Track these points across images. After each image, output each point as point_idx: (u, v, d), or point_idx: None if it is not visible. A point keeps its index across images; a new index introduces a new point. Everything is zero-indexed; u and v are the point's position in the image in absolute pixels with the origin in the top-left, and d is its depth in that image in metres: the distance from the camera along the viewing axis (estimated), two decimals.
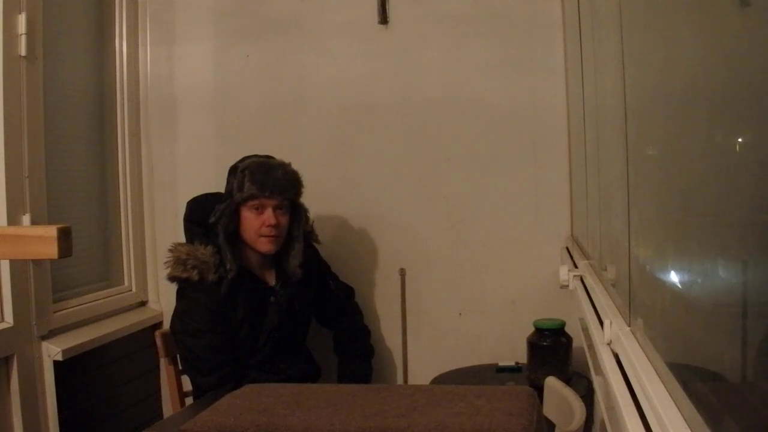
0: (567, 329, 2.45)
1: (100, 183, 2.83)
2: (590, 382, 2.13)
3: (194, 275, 2.32)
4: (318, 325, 2.71)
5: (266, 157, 2.45)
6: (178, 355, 2.48)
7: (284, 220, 2.42)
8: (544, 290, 2.68)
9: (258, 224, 2.37)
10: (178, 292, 2.41)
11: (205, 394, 2.32)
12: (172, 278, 2.37)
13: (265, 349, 2.41)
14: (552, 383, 1.69)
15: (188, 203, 2.53)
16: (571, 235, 2.70)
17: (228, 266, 2.33)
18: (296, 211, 2.47)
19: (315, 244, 2.62)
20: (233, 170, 2.41)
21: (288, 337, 2.47)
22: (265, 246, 2.39)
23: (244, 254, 2.42)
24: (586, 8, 2.00)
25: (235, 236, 2.39)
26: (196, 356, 2.34)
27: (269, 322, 2.42)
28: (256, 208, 2.37)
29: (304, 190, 2.47)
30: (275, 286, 2.47)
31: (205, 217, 2.41)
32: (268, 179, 2.36)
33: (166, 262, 2.39)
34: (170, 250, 2.39)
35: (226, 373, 2.31)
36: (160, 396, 2.89)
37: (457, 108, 2.82)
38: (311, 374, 2.55)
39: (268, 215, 2.36)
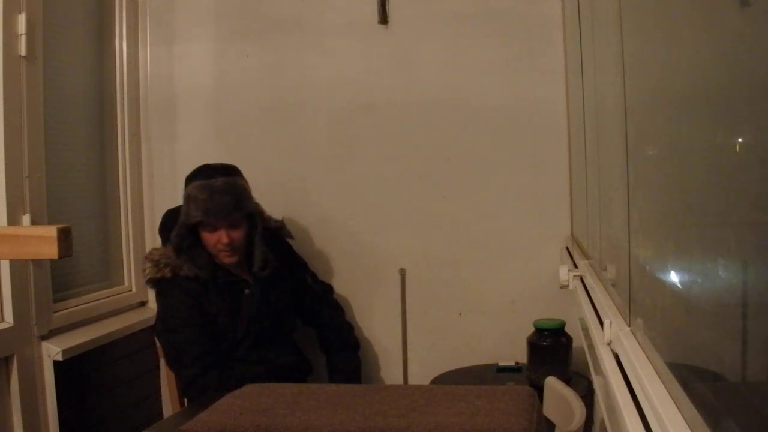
0: (567, 329, 2.45)
1: (100, 183, 2.83)
2: (590, 382, 2.13)
3: (167, 272, 2.39)
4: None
5: (213, 170, 2.43)
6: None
7: (239, 233, 2.43)
8: (544, 290, 2.68)
9: (214, 241, 2.41)
10: (156, 296, 2.48)
11: (190, 386, 2.37)
12: (149, 281, 2.44)
13: (246, 341, 2.45)
14: (552, 383, 1.68)
15: (163, 215, 2.58)
16: (571, 235, 2.70)
17: (187, 272, 2.40)
18: (252, 218, 2.48)
19: (288, 240, 2.65)
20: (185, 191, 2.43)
21: (268, 329, 2.49)
22: (225, 259, 2.45)
23: None
24: (586, 8, 2.00)
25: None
26: (178, 350, 2.40)
27: (245, 313, 2.45)
28: (211, 227, 2.40)
29: (255, 196, 2.49)
30: (249, 279, 2.50)
31: (173, 227, 2.45)
32: (212, 205, 2.36)
33: (144, 269, 2.44)
34: (146, 257, 2.47)
35: (208, 362, 2.37)
36: (160, 396, 2.89)
37: (457, 108, 2.82)
38: (301, 368, 2.58)
39: (220, 236, 2.40)
